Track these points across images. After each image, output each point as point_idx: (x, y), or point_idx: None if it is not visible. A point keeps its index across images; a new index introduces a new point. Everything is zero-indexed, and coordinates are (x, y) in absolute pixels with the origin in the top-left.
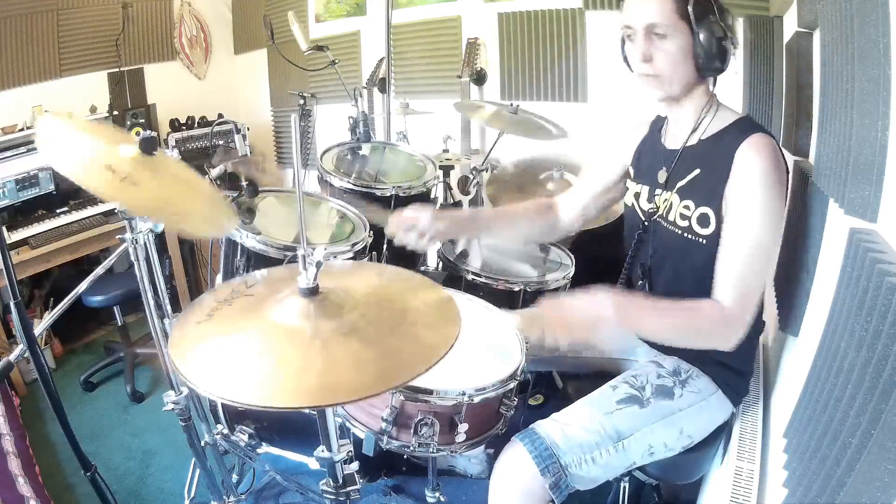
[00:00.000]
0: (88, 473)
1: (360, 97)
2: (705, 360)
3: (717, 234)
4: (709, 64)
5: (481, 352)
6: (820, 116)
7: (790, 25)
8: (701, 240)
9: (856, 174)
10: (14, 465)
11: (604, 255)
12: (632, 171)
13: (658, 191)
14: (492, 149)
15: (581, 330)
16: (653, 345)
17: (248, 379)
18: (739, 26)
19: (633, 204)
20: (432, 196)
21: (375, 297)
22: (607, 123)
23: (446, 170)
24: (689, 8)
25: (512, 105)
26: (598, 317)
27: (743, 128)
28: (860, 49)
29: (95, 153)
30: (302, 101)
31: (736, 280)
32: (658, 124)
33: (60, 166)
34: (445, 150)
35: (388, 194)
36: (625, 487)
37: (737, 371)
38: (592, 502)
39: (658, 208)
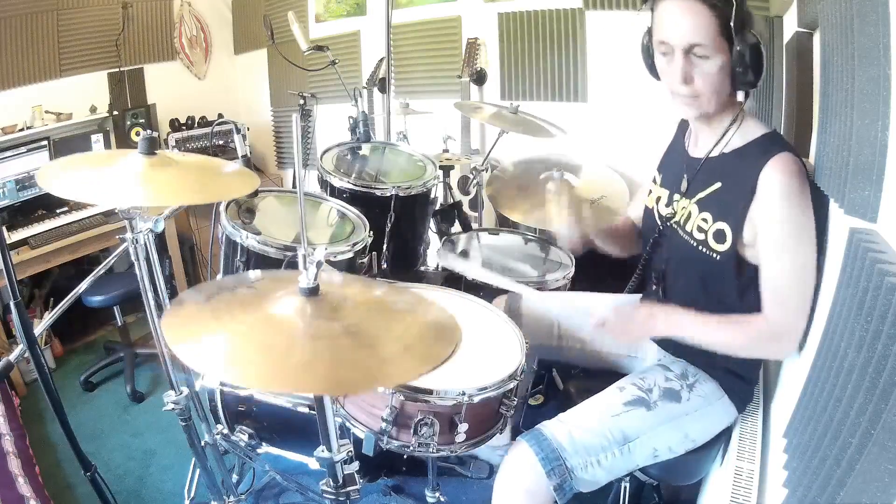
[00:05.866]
0: (88, 473)
1: (360, 97)
2: (713, 366)
3: (731, 251)
4: (745, 79)
5: (481, 352)
6: (820, 116)
7: (790, 25)
8: (715, 255)
9: (856, 174)
10: (14, 465)
11: (604, 255)
12: (658, 177)
13: (677, 196)
14: (492, 149)
15: (636, 339)
16: (662, 346)
17: (235, 361)
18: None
19: (653, 207)
20: (432, 196)
21: (373, 305)
22: (607, 123)
23: (446, 170)
24: (732, 24)
25: (512, 105)
26: (652, 333)
27: (768, 145)
28: (860, 49)
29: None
30: (302, 101)
31: (780, 298)
32: (684, 128)
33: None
34: (445, 150)
35: (388, 194)
36: (625, 487)
37: (743, 378)
38: (592, 502)
39: (675, 214)
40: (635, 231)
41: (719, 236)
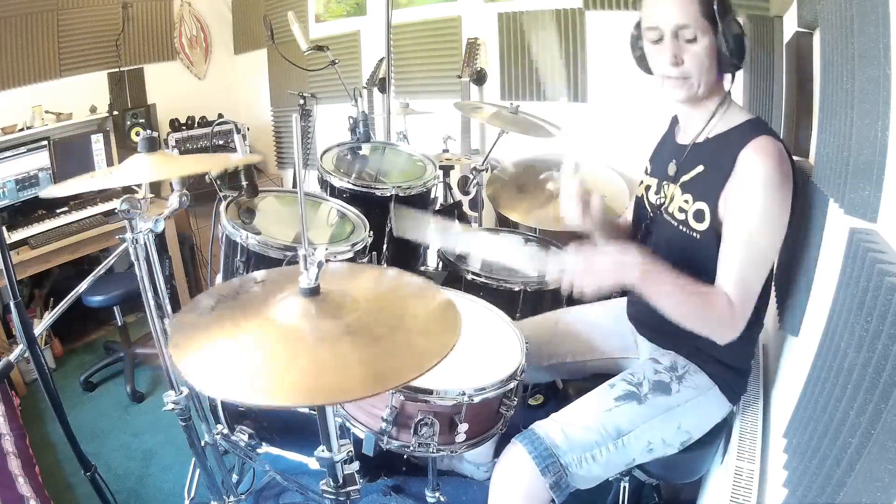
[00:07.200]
0: (88, 473)
1: (360, 97)
2: (703, 358)
3: (711, 230)
4: (730, 61)
5: (481, 352)
6: (820, 116)
7: (790, 25)
8: (695, 234)
9: (856, 174)
10: (14, 465)
11: None
12: (648, 167)
13: (665, 184)
14: (492, 149)
15: (606, 283)
16: (652, 340)
17: (245, 376)
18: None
19: (642, 196)
20: (432, 196)
21: (376, 300)
22: (607, 123)
23: (446, 170)
24: (715, 7)
25: (512, 105)
26: (623, 278)
27: (750, 129)
28: (860, 49)
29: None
30: (302, 101)
31: (735, 278)
32: (675, 120)
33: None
34: (445, 150)
35: (388, 194)
36: (625, 487)
37: (735, 369)
38: (592, 502)
39: (663, 201)
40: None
41: (699, 216)
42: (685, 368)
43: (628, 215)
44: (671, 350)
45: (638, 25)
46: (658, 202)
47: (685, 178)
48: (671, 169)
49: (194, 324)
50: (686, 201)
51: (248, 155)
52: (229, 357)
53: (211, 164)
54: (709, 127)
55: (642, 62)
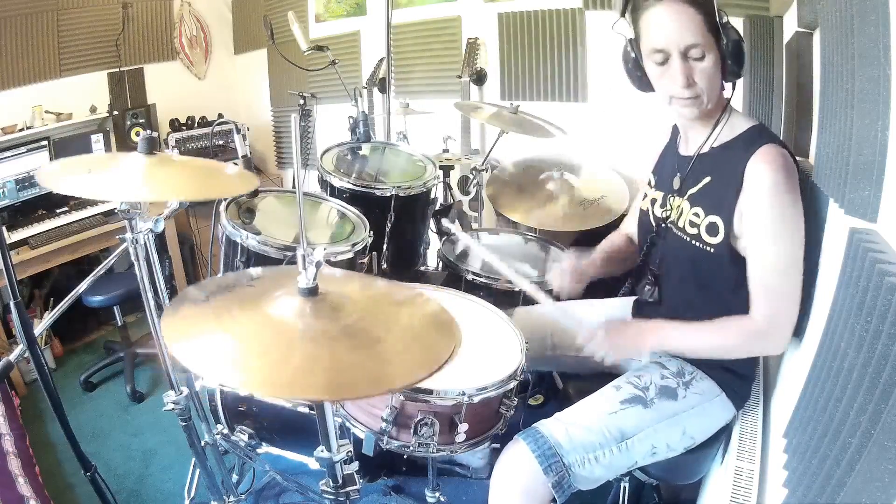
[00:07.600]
0: (88, 473)
1: (360, 97)
2: (709, 364)
3: (725, 243)
4: (733, 69)
5: (481, 352)
6: (820, 116)
7: (790, 25)
8: (709, 248)
9: (856, 174)
10: (14, 465)
11: None
12: (652, 180)
13: (671, 197)
14: (492, 149)
15: (626, 355)
16: None
17: (237, 364)
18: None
19: (648, 209)
20: (432, 196)
21: (374, 306)
22: (607, 123)
23: (446, 170)
24: (718, 20)
25: (512, 105)
26: (639, 348)
27: (754, 137)
28: (860, 49)
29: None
30: (302, 101)
31: (764, 294)
32: (676, 130)
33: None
34: (445, 150)
35: (388, 194)
36: (625, 487)
37: (740, 375)
38: (592, 502)
39: (669, 214)
40: (633, 246)
41: (712, 229)
42: (692, 374)
43: (629, 229)
44: (677, 356)
45: (632, 43)
46: (664, 215)
47: (692, 190)
48: (676, 182)
49: (190, 312)
50: (696, 214)
51: (247, 175)
52: (221, 345)
53: (210, 193)
54: (712, 137)
55: (642, 82)
